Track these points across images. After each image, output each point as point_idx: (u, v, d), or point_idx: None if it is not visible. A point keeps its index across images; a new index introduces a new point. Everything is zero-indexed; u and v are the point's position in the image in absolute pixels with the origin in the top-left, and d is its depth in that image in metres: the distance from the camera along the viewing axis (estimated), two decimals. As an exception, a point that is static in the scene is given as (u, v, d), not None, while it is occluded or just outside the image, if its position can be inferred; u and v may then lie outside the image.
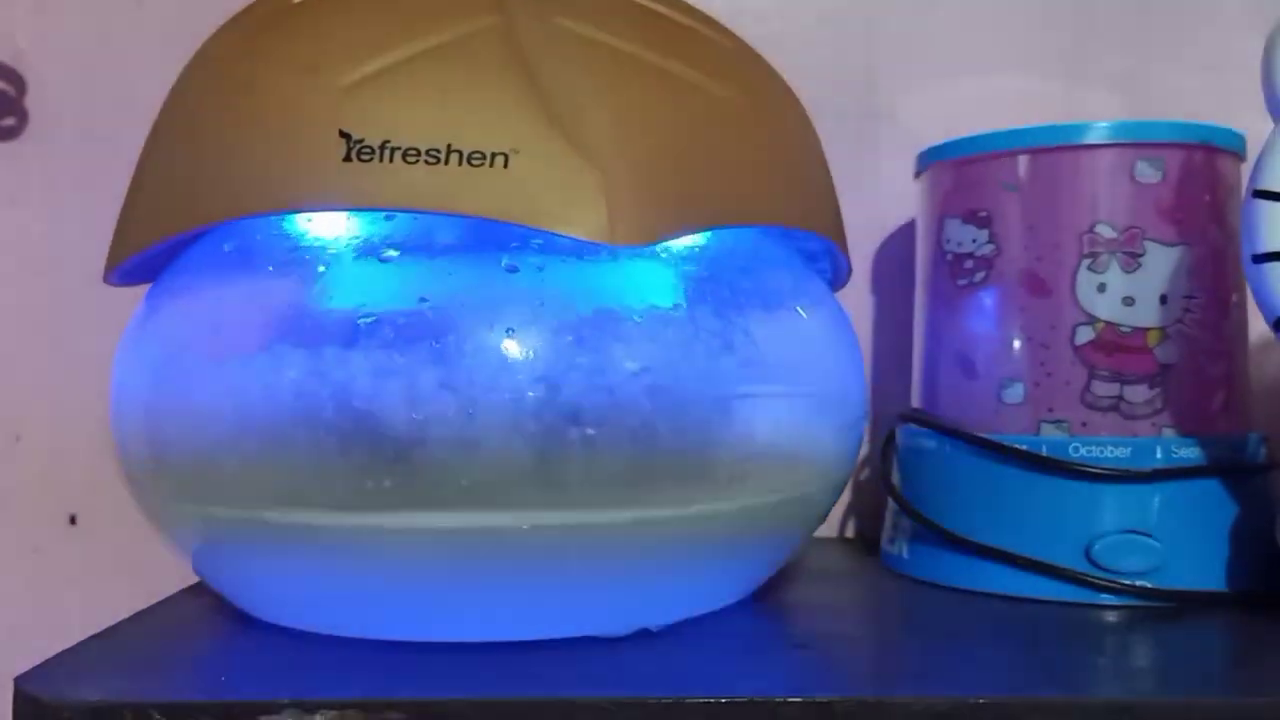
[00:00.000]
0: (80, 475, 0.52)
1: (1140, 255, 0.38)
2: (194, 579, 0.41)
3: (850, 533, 0.52)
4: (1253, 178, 0.33)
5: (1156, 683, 0.31)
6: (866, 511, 0.52)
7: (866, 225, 0.52)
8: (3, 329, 0.52)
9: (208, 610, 0.37)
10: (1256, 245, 0.32)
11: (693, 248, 0.33)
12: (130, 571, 0.51)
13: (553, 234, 0.29)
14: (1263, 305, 0.33)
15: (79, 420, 0.51)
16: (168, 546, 0.35)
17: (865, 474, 0.52)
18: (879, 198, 0.51)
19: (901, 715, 0.27)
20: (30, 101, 0.51)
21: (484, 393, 0.28)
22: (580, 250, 0.30)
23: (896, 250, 0.52)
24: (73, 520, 0.53)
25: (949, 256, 0.42)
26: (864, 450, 0.52)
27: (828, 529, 0.52)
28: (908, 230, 0.51)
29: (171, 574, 0.41)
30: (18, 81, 0.51)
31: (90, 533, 0.52)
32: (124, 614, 0.36)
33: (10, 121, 0.51)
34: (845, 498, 0.52)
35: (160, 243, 0.31)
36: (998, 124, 0.41)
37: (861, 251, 0.52)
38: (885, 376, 0.51)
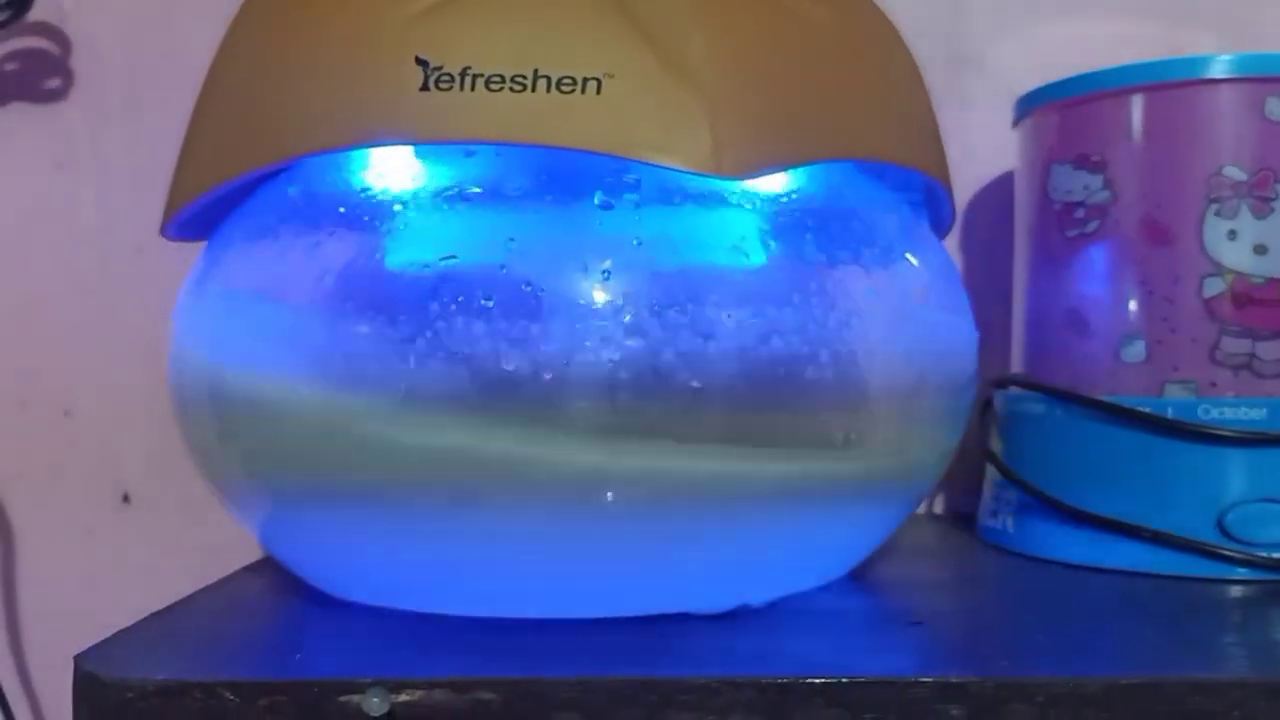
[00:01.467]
0: (133, 451, 0.50)
1: (1273, 199, 0.35)
2: (254, 558, 0.39)
3: (939, 509, 0.49)
4: None
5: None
6: (956, 487, 0.49)
7: (958, 179, 0.48)
8: (51, 299, 0.50)
9: (273, 589, 0.35)
10: None
11: (795, 190, 0.30)
12: (187, 553, 0.49)
13: (650, 167, 0.26)
14: None
15: (131, 393, 0.49)
16: (235, 519, 0.33)
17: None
18: (970, 149, 0.48)
19: (1044, 698, 0.25)
20: (76, 61, 0.49)
21: (577, 342, 0.26)
22: (680, 190, 0.28)
23: (988, 206, 0.49)
24: (126, 499, 0.51)
25: (1057, 206, 0.39)
26: (952, 420, 0.49)
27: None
28: (1000, 184, 0.48)
29: (232, 555, 0.39)
30: (63, 41, 0.49)
31: (144, 512, 0.51)
32: (182, 597, 0.34)
33: (56, 83, 0.49)
34: (931, 471, 0.49)
35: (223, 185, 0.29)
36: (1091, 68, 0.38)
37: (955, 206, 0.49)
38: (983, 340, 0.48)
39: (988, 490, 0.41)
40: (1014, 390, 0.40)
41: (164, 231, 0.32)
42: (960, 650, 0.29)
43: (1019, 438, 0.40)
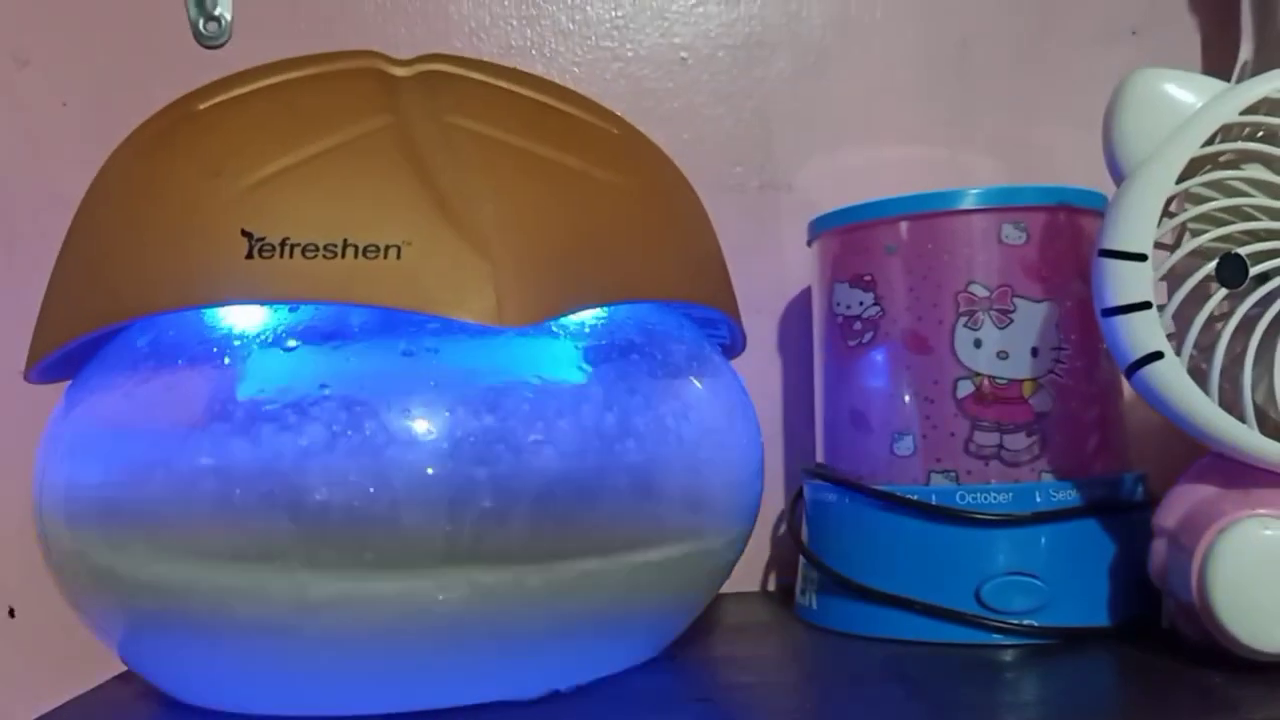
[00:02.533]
0: (16, 568, 0.53)
1: (1011, 311, 0.41)
2: (124, 668, 0.42)
3: (772, 586, 0.54)
4: (1098, 238, 0.35)
5: (1041, 714, 0.32)
6: (786, 564, 0.54)
7: (771, 290, 0.54)
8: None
9: (136, 696, 0.38)
10: (1105, 301, 0.35)
11: (589, 321, 0.35)
12: (71, 662, 0.51)
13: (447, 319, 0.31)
14: (1116, 355, 0.35)
15: (10, 513, 0.52)
16: (96, 635, 0.36)
17: (782, 529, 0.54)
18: (782, 263, 0.54)
19: (789, 758, 0.29)
20: (-43, 202, 0.53)
21: (383, 470, 0.30)
22: (475, 331, 0.32)
23: (800, 312, 0.54)
24: (11, 613, 0.53)
25: (839, 319, 0.44)
26: (780, 505, 0.54)
27: (749, 582, 0.54)
28: (809, 294, 0.53)
29: (112, 664, 0.42)
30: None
31: (29, 625, 0.53)
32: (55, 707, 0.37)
33: (-62, 222, 0.53)
34: (765, 552, 0.54)
35: (76, 339, 0.33)
36: (889, 190, 0.43)
37: (768, 314, 0.55)
38: (796, 434, 0.54)
39: (800, 570, 0.46)
40: (815, 480, 0.45)
41: (27, 376, 0.36)
42: (731, 720, 0.33)
43: (820, 522, 0.45)
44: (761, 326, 0.54)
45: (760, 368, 0.54)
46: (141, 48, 0.53)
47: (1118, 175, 0.36)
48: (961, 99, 0.55)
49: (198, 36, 0.53)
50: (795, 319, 0.54)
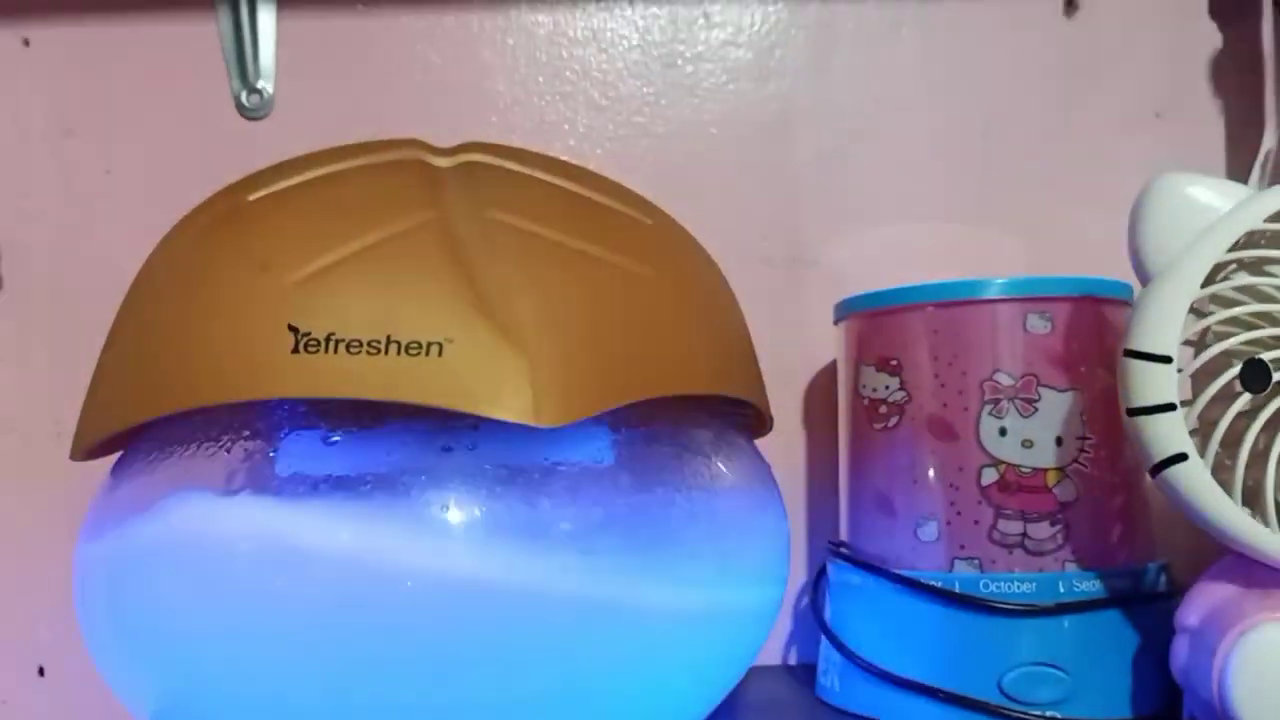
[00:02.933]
0: (48, 626, 0.54)
1: (1036, 400, 0.41)
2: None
3: (793, 660, 0.54)
4: (1123, 337, 0.36)
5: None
6: (807, 640, 0.54)
7: (797, 365, 0.55)
8: (-28, 483, 0.54)
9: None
10: (1130, 400, 0.35)
11: (620, 411, 0.36)
12: None
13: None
14: (1141, 454, 0.36)
15: (46, 570, 0.53)
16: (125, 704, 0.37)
17: (804, 603, 0.54)
18: (808, 339, 0.54)
19: None
20: (4, 266, 0.54)
21: (422, 564, 0.31)
22: (511, 432, 0.33)
23: (826, 387, 0.55)
24: (41, 672, 0.54)
25: (865, 401, 0.45)
26: (803, 578, 0.54)
27: (771, 657, 0.54)
28: (834, 368, 0.54)
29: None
30: (-8, 248, 0.54)
31: (58, 684, 0.54)
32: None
33: (-16, 285, 0.54)
34: (788, 625, 0.54)
35: (120, 430, 0.34)
36: (914, 268, 0.44)
37: (793, 389, 0.55)
38: (819, 510, 0.54)
39: (821, 650, 0.47)
40: (838, 561, 0.46)
41: (72, 457, 0.37)
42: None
43: (843, 603, 0.45)
44: (785, 400, 0.55)
45: (785, 442, 0.54)
46: (185, 118, 0.55)
47: (1143, 276, 0.36)
48: (986, 180, 0.56)
49: (240, 108, 0.55)
50: (820, 394, 0.55)
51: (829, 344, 0.53)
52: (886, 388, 0.44)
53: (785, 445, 0.54)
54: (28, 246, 0.54)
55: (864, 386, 0.45)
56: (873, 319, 0.45)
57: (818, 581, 0.48)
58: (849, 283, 0.47)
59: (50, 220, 0.54)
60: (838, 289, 0.48)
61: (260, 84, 0.55)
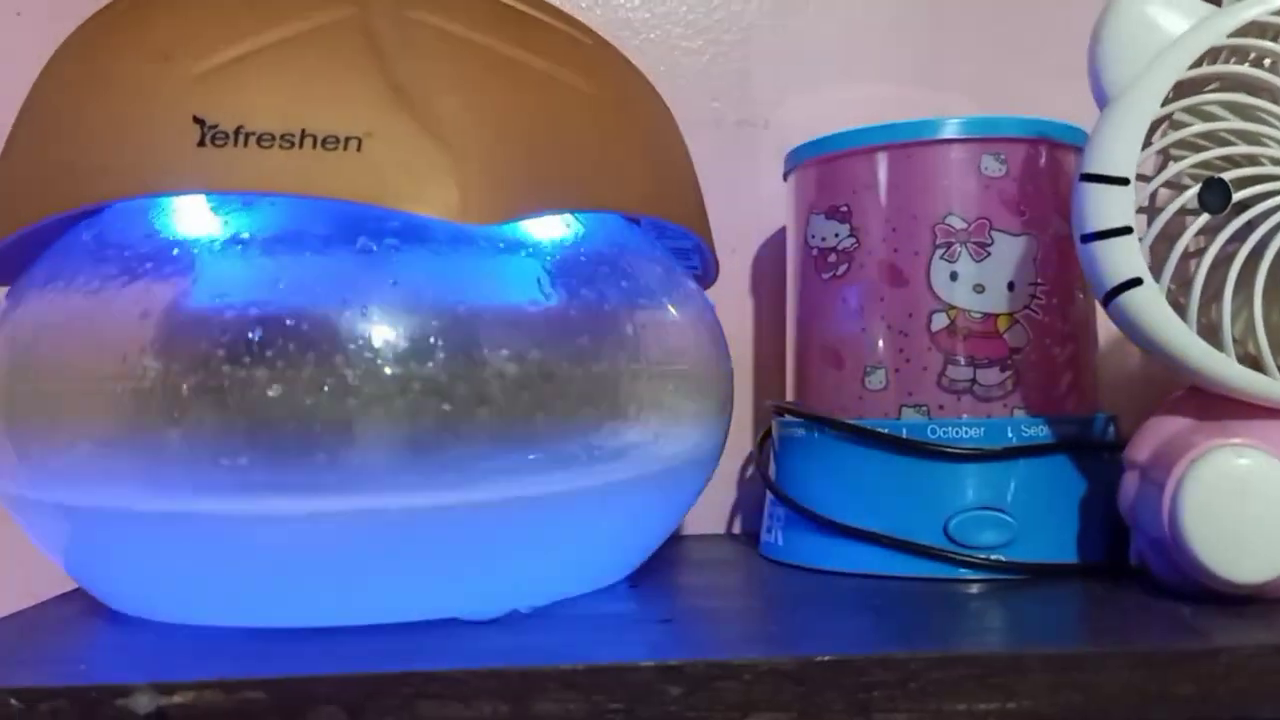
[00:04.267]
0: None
1: (989, 245, 0.40)
2: (66, 589, 0.40)
3: (737, 529, 0.53)
4: (1080, 163, 0.35)
5: (998, 639, 0.32)
6: (752, 508, 0.53)
7: (746, 229, 0.53)
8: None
9: (81, 611, 0.37)
10: (1085, 226, 0.34)
11: (558, 239, 0.34)
12: (14, 577, 0.50)
13: (407, 214, 0.29)
14: (1093, 282, 0.34)
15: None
16: (37, 543, 0.35)
17: (750, 472, 0.53)
18: (756, 201, 0.53)
19: (749, 674, 0.28)
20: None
21: (341, 374, 0.29)
22: (441, 239, 0.31)
23: (774, 253, 0.53)
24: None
25: (814, 251, 0.43)
26: (747, 448, 0.53)
27: (715, 525, 0.53)
28: (784, 232, 0.52)
29: (47, 588, 0.40)
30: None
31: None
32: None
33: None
34: (732, 495, 0.53)
35: (19, 231, 0.31)
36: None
37: (741, 255, 0.54)
38: (766, 375, 0.53)
39: (766, 508, 0.45)
40: (784, 417, 0.44)
41: (-34, 274, 0.34)
42: (695, 641, 0.32)
43: (787, 459, 0.44)
44: (734, 266, 0.53)
45: (731, 307, 0.53)
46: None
47: (1101, 99, 0.35)
48: (939, 39, 0.54)
49: (158, -51, 0.51)
50: (769, 260, 0.53)
51: (778, 208, 0.51)
52: (836, 235, 0.42)
53: (732, 312, 0.53)
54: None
55: (813, 237, 0.43)
56: (822, 165, 0.43)
57: (762, 446, 0.47)
58: (798, 143, 0.45)
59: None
60: (787, 150, 0.46)
61: (180, -77, 0.51)
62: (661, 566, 0.41)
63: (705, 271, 0.42)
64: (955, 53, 0.54)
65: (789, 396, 0.46)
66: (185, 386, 0.29)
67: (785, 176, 0.46)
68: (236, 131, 0.29)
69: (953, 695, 0.29)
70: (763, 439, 0.47)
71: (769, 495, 0.45)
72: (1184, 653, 0.29)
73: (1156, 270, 0.34)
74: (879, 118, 0.42)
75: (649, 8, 0.53)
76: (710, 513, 0.52)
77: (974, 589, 0.37)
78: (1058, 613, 0.35)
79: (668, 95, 0.40)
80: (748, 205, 0.53)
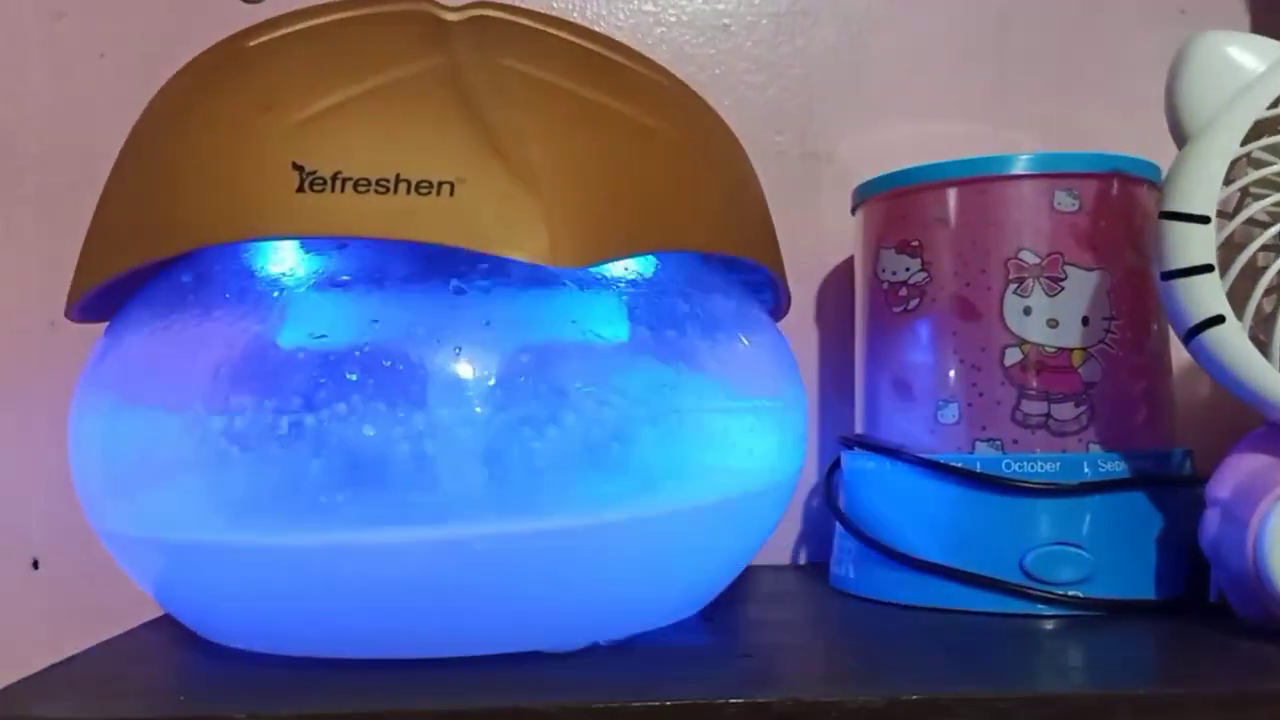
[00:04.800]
0: (42, 519, 0.52)
1: (1062, 279, 0.40)
2: (153, 615, 0.42)
3: (803, 560, 0.54)
4: (1160, 201, 0.35)
5: (1083, 679, 0.32)
6: (819, 539, 0.53)
7: (810, 261, 0.54)
8: (-37, 375, 0.52)
9: (168, 641, 0.37)
10: (1166, 264, 0.34)
11: (638, 277, 0.34)
12: (92, 615, 0.51)
13: (498, 258, 0.30)
14: (1174, 320, 0.34)
15: (40, 464, 0.52)
16: (131, 575, 0.35)
17: (816, 502, 0.53)
18: (821, 234, 0.53)
19: (836, 713, 0.29)
20: (-7, 152, 0.53)
21: (433, 410, 0.30)
22: (526, 278, 0.32)
23: (839, 284, 0.54)
24: (35, 565, 0.53)
25: (884, 285, 0.44)
26: (814, 479, 0.53)
27: (781, 556, 0.53)
28: (849, 264, 0.53)
29: (133, 616, 0.41)
30: (-19, 133, 0.52)
31: (52, 577, 0.53)
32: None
33: (-27, 171, 0.53)
34: (797, 526, 0.53)
35: (119, 274, 0.32)
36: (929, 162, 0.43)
37: (806, 286, 0.54)
38: (831, 407, 0.53)
39: (836, 541, 0.46)
40: (854, 450, 0.44)
41: (68, 314, 0.35)
42: (777, 677, 0.33)
43: (858, 492, 0.44)
44: (799, 297, 0.53)
45: (796, 338, 0.53)
46: (179, 2, 0.53)
47: (1180, 138, 0.35)
48: (1004, 76, 0.55)
49: (238, -9, 0.53)
50: (833, 291, 0.54)
51: (843, 240, 0.52)
52: (907, 269, 0.43)
53: (798, 345, 0.53)
54: (17, 133, 0.53)
55: (883, 270, 0.44)
56: (893, 200, 0.44)
57: (829, 477, 0.47)
58: (864, 178, 0.46)
59: (41, 105, 0.53)
60: (852, 184, 0.47)
61: (259, -34, 0.53)
62: (732, 599, 0.41)
63: (777, 305, 0.42)
64: (1020, 87, 0.55)
65: (857, 429, 0.46)
66: (283, 423, 0.30)
67: (853, 210, 0.47)
68: (334, 177, 0.30)
69: (1040, 735, 0.29)
70: (830, 470, 0.47)
71: (838, 528, 0.45)
72: (1274, 694, 0.29)
73: (1238, 307, 0.34)
74: (944, 151, 0.43)
75: (714, 44, 0.54)
76: (775, 543, 0.53)
77: (1049, 625, 0.37)
78: (1138, 651, 0.35)
79: (732, 129, 0.40)
80: (811, 237, 0.53)
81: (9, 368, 0.52)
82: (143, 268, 0.33)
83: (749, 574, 0.49)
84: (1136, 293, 0.41)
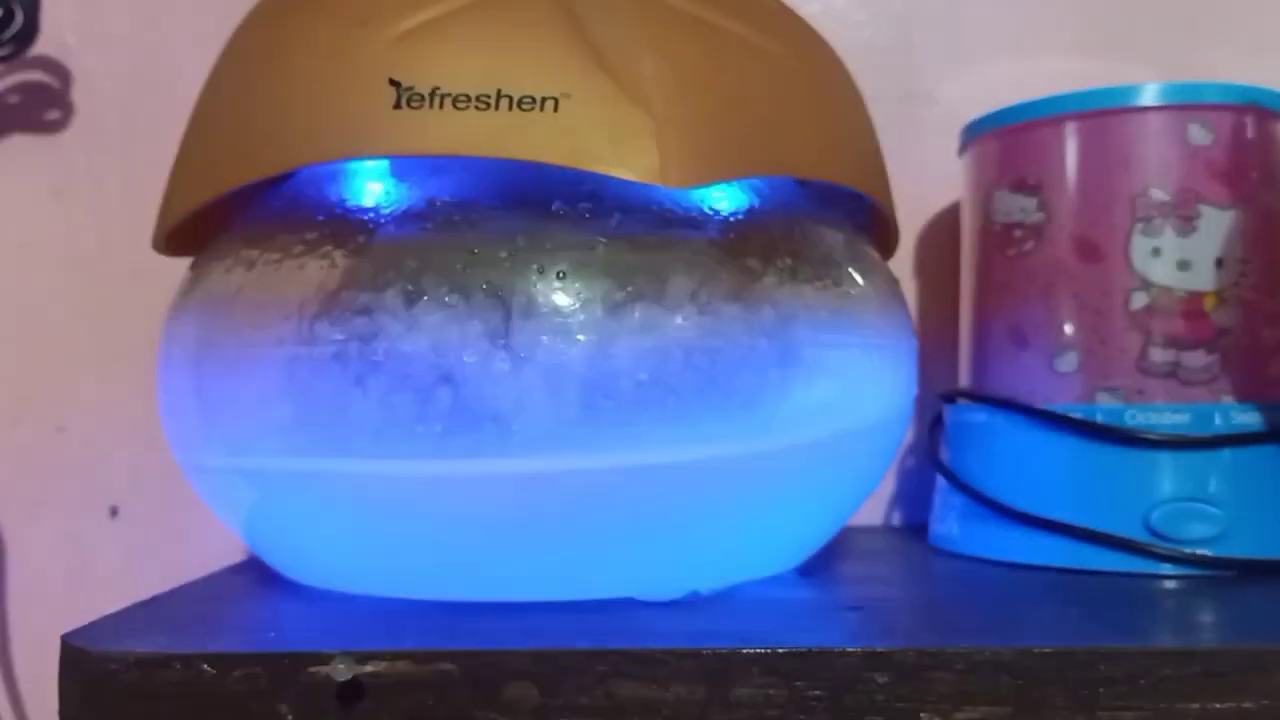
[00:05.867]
0: (123, 467, 0.52)
1: (1195, 218, 0.37)
2: (236, 559, 0.41)
3: (896, 521, 0.51)
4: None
5: (1230, 634, 0.29)
6: (913, 499, 0.51)
7: (909, 208, 0.51)
8: (46, 320, 0.52)
9: (253, 581, 0.37)
10: (1318, 195, 0.32)
11: (743, 205, 0.33)
12: (171, 564, 0.51)
13: (603, 178, 0.28)
14: (1326, 257, 0.32)
15: (122, 411, 0.51)
16: (219, 514, 0.35)
17: (910, 462, 0.51)
18: (922, 180, 0.50)
19: (964, 665, 0.27)
20: (76, 94, 0.52)
21: (533, 337, 0.28)
22: (630, 201, 0.30)
23: (939, 234, 0.51)
24: (114, 512, 0.52)
25: (997, 227, 0.41)
26: (907, 438, 0.51)
27: (874, 517, 0.51)
28: (951, 212, 0.50)
29: (214, 565, 0.41)
30: (63, 75, 0.52)
31: (131, 525, 0.52)
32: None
33: (56, 115, 0.52)
34: (891, 486, 0.51)
35: (211, 200, 0.31)
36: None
37: (906, 235, 0.51)
38: (930, 362, 0.51)
39: (937, 498, 0.44)
40: (960, 402, 0.42)
41: (155, 246, 0.34)
42: (891, 628, 0.31)
43: (964, 446, 0.42)
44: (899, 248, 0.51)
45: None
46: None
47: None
48: (1117, 9, 0.51)
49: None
50: (934, 240, 0.51)
51: (946, 187, 0.49)
52: (1023, 210, 0.40)
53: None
54: (100, 72, 0.52)
55: (996, 212, 0.41)
56: (1007, 137, 0.41)
57: (931, 432, 0.45)
58: (967, 119, 0.43)
59: (124, 44, 0.52)
60: (955, 126, 0.44)
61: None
62: (828, 557, 0.40)
63: (885, 242, 0.40)
64: (1137, 25, 0.51)
65: (963, 382, 0.44)
66: (379, 349, 0.29)
67: (961, 151, 0.44)
68: (433, 93, 0.28)
69: (1187, 694, 0.27)
70: (931, 426, 0.45)
71: (941, 484, 0.43)
72: None
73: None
74: (1054, 91, 0.40)
75: (810, -18, 0.52)
76: (869, 504, 0.51)
77: (1173, 585, 0.35)
78: (1274, 613, 0.33)
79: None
80: (911, 183, 0.50)
81: (93, 315, 0.52)
82: (234, 193, 0.32)
83: (843, 534, 0.47)
84: (1274, 234, 0.38)
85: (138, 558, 0.52)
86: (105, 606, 0.32)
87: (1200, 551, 0.36)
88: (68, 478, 0.52)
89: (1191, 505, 0.36)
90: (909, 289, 0.52)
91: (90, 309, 0.52)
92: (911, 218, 0.51)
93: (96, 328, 0.52)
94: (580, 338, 0.28)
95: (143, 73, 0.52)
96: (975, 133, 0.43)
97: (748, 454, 0.30)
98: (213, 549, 0.44)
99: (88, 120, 0.52)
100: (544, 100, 0.28)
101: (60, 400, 0.52)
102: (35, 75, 0.52)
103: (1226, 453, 0.36)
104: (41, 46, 0.50)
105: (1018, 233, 0.40)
